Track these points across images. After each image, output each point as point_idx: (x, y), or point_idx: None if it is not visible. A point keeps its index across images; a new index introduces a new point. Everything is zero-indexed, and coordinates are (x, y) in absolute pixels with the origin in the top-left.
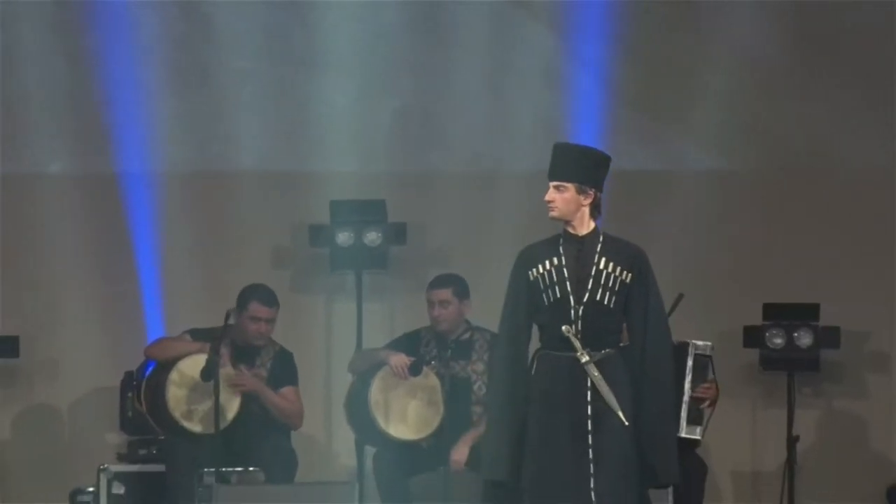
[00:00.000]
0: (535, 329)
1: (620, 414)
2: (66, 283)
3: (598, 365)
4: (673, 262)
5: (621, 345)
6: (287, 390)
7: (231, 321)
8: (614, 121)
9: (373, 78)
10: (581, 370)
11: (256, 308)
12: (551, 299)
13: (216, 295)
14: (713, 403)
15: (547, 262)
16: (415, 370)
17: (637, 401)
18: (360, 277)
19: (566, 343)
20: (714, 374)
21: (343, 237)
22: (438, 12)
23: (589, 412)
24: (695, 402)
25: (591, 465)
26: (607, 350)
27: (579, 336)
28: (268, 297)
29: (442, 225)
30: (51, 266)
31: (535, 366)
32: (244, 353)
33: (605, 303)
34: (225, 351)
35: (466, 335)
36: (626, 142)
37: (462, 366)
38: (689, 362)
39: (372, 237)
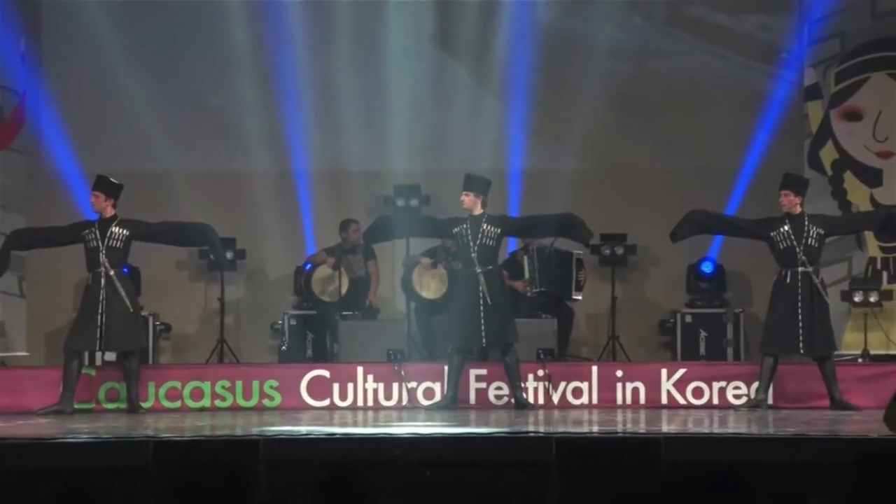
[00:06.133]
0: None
1: (489, 298)
2: (266, 225)
3: (484, 274)
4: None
5: (498, 264)
6: (371, 262)
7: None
8: (524, 142)
9: (413, 119)
10: (477, 276)
11: (355, 228)
12: (463, 242)
13: (336, 231)
14: (585, 281)
15: (462, 226)
16: (434, 265)
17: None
18: None
19: (471, 262)
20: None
21: (400, 203)
22: (442, 89)
23: (480, 297)
24: (579, 279)
25: (482, 324)
26: (489, 267)
27: (476, 259)
28: (355, 223)
29: (447, 196)
30: (260, 215)
31: (459, 275)
32: (350, 251)
33: (488, 244)
34: (330, 258)
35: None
36: (531, 152)
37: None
38: (574, 262)
39: (413, 202)
